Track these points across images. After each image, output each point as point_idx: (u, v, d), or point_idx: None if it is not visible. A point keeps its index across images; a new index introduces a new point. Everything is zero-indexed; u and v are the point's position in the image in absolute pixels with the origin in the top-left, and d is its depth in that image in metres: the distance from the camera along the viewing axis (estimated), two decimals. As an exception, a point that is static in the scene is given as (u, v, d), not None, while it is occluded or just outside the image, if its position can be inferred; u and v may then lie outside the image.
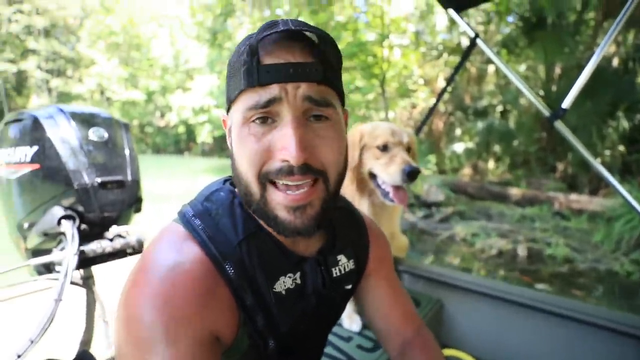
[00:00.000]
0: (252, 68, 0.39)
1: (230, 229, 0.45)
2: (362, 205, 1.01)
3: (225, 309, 0.43)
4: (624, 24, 0.91)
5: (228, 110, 0.46)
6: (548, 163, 7.76)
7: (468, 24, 1.21)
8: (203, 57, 15.40)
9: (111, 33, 17.33)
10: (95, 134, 1.21)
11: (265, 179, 0.42)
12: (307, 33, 0.41)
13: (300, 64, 0.40)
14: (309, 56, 0.41)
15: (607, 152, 6.81)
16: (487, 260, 4.32)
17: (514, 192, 6.61)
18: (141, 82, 17.86)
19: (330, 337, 1.01)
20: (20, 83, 16.28)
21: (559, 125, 0.97)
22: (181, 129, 17.90)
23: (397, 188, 0.97)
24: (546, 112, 1.00)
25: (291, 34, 0.41)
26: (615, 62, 7.05)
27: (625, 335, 0.91)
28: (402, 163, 0.93)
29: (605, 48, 0.93)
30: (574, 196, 5.91)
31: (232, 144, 0.45)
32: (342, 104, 0.49)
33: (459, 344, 1.20)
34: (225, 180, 0.54)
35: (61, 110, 1.19)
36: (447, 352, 1.12)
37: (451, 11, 1.26)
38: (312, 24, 0.43)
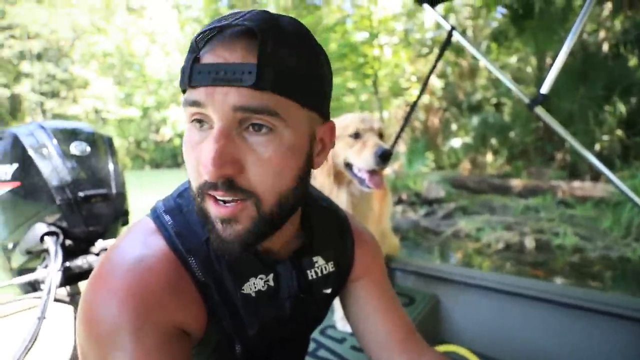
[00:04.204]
0: (186, 67, 0.36)
1: (199, 225, 0.44)
2: (340, 197, 1.00)
3: (191, 305, 0.41)
4: (595, 6, 0.90)
5: None
6: (547, 152, 7.74)
7: (446, 20, 1.20)
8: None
9: (105, 55, 17.51)
10: (77, 148, 1.20)
11: (201, 192, 0.39)
12: (247, 24, 0.34)
13: (232, 65, 0.34)
14: (252, 57, 0.34)
15: (606, 137, 6.79)
16: (495, 254, 4.24)
17: (516, 183, 6.57)
18: (136, 98, 17.99)
19: (324, 340, 0.98)
20: (14, 107, 16.40)
21: (539, 111, 0.96)
22: (177, 142, 17.97)
23: (372, 173, 0.98)
24: (525, 99, 0.98)
25: (235, 29, 0.36)
26: (606, 47, 7.06)
27: (624, 319, 0.88)
28: (373, 146, 0.95)
29: (578, 31, 0.91)
30: (576, 183, 5.86)
31: None
32: (322, 114, 0.42)
33: (457, 339, 1.17)
34: None
35: (42, 127, 1.19)
36: (446, 347, 1.09)
37: (426, 6, 1.25)
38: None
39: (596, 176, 6.59)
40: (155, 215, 0.46)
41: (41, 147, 1.12)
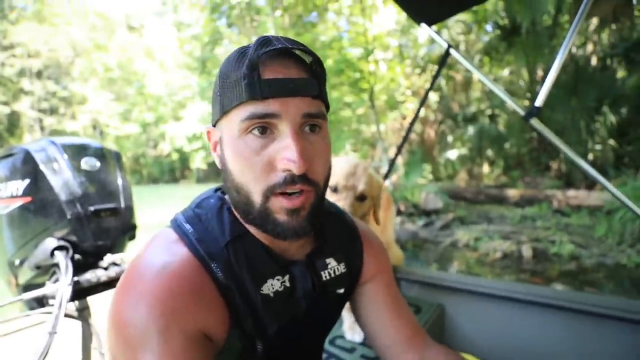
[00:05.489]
0: (253, 82, 0.41)
1: (218, 231, 0.47)
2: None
3: (214, 308, 0.43)
4: (583, 21, 0.95)
5: (216, 122, 0.47)
6: (542, 162, 7.85)
7: (440, 36, 1.26)
8: (194, 86, 15.75)
9: (107, 69, 17.77)
10: (87, 163, 1.21)
11: (270, 192, 0.43)
12: (299, 51, 0.45)
13: (300, 80, 0.42)
14: (304, 72, 0.44)
15: (599, 147, 6.92)
16: (493, 263, 4.28)
17: (512, 193, 6.65)
18: (135, 114, 18.13)
19: (333, 350, 0.99)
20: (12, 124, 16.49)
21: (535, 123, 1.00)
22: (175, 157, 18.04)
23: None
24: (521, 112, 1.02)
25: (287, 52, 0.44)
26: (594, 60, 7.28)
27: (633, 323, 0.90)
28: None
29: (568, 45, 0.96)
30: (571, 192, 5.96)
31: (226, 156, 0.46)
32: None
33: (463, 347, 1.18)
34: (217, 189, 0.55)
35: (53, 143, 1.21)
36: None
37: (424, 25, 1.31)
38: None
39: (590, 185, 6.68)
40: (176, 224, 0.48)
41: (52, 162, 1.14)
